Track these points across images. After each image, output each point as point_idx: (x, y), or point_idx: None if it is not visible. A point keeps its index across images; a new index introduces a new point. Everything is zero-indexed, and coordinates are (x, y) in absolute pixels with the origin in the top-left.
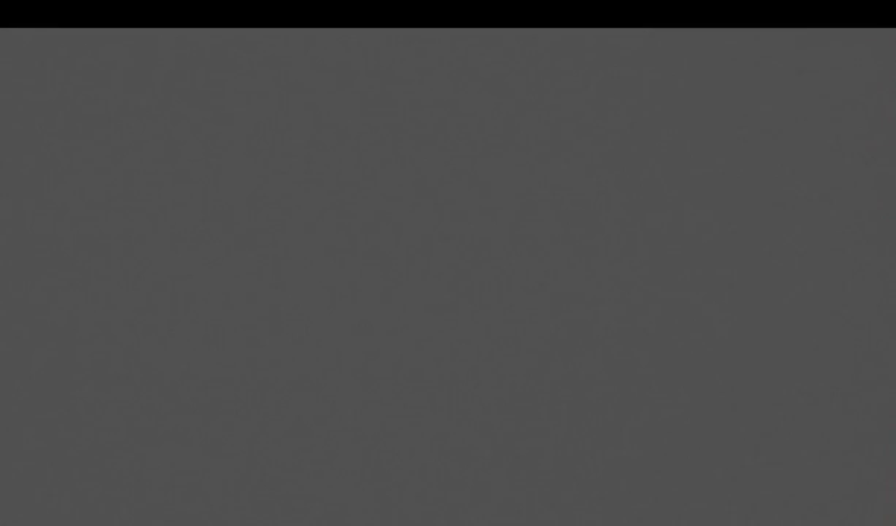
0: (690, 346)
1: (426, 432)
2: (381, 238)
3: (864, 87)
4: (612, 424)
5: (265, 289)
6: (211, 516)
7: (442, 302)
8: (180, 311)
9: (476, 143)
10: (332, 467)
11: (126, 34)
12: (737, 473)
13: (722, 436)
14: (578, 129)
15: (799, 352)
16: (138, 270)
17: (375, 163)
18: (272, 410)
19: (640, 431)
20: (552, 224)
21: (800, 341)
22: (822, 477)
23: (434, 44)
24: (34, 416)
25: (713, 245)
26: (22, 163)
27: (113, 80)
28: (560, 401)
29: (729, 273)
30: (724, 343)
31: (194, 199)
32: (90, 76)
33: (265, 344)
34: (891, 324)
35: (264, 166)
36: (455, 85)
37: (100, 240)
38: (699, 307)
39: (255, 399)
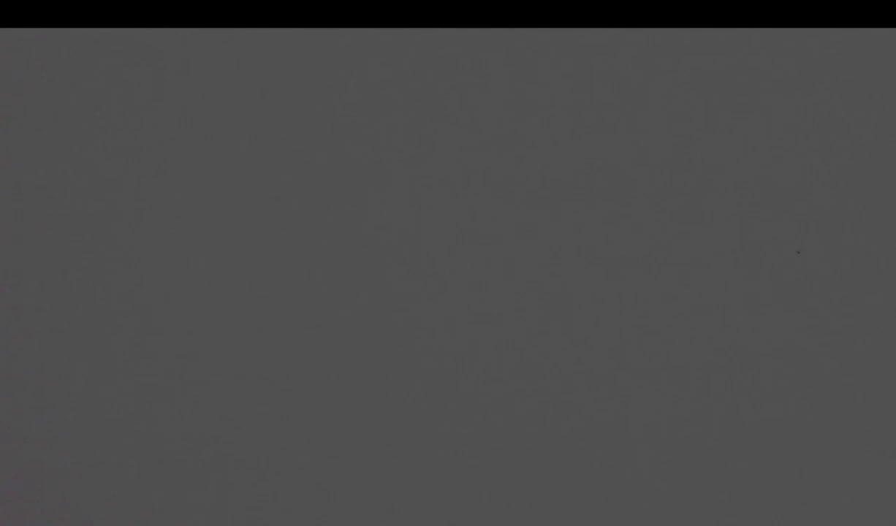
0: (691, 345)
1: (427, 433)
2: (380, 238)
3: (864, 87)
4: (614, 426)
5: (263, 288)
6: (211, 516)
7: (442, 303)
8: (180, 311)
9: (476, 142)
10: (332, 467)
11: (126, 34)
12: (739, 473)
13: (724, 437)
14: (580, 128)
15: (800, 353)
16: (137, 268)
17: (375, 162)
18: (272, 410)
19: (643, 432)
20: (553, 223)
21: (800, 341)
22: (824, 477)
23: (435, 44)
24: (35, 415)
25: (713, 244)
26: (22, 162)
27: (113, 80)
28: (562, 401)
29: (727, 272)
30: (724, 343)
31: (193, 198)
32: (90, 76)
33: (264, 344)
34: (891, 324)
35: (264, 166)
36: (455, 85)
37: (100, 238)
38: (699, 307)
39: (255, 399)
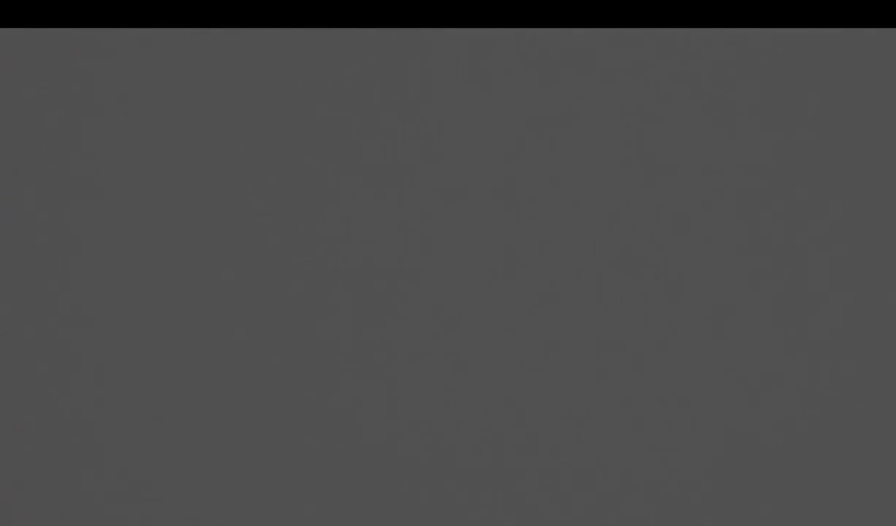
0: (692, 346)
1: (428, 435)
2: (382, 240)
3: (864, 87)
4: (615, 425)
5: (262, 289)
6: (211, 516)
7: (442, 304)
8: (181, 311)
9: (476, 142)
10: (332, 467)
11: (126, 34)
12: (741, 473)
13: (725, 436)
14: (580, 128)
15: (800, 353)
16: (137, 269)
17: (375, 163)
18: (272, 410)
19: (644, 431)
20: (554, 224)
21: (800, 341)
22: (826, 477)
23: (435, 44)
24: (35, 416)
25: (713, 244)
26: (22, 162)
27: (113, 80)
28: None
29: (727, 271)
30: (725, 343)
31: (193, 199)
32: (90, 76)
33: (263, 345)
34: (891, 324)
35: (263, 166)
36: (455, 85)
37: (100, 239)
38: (700, 308)
39: (254, 399)
